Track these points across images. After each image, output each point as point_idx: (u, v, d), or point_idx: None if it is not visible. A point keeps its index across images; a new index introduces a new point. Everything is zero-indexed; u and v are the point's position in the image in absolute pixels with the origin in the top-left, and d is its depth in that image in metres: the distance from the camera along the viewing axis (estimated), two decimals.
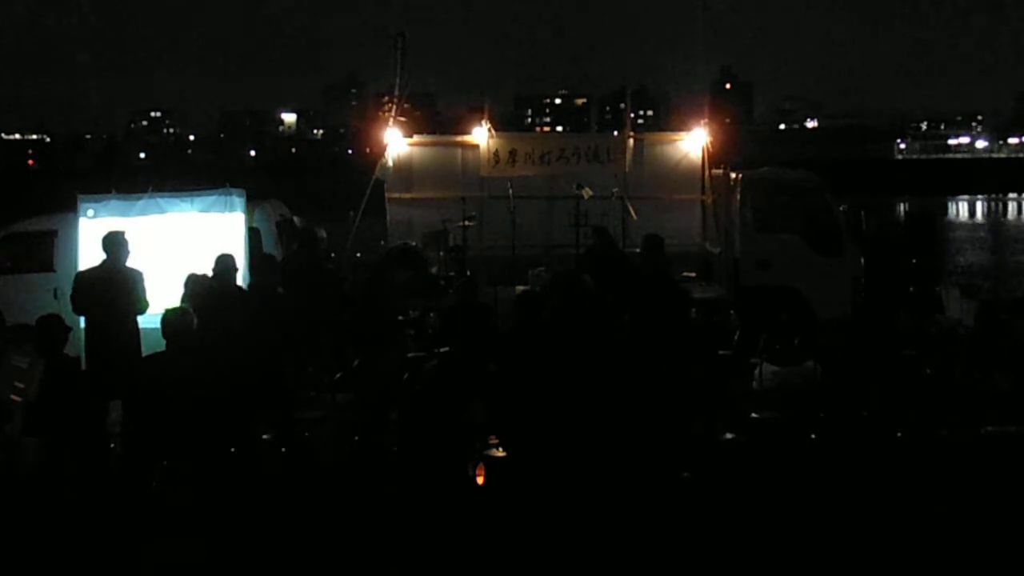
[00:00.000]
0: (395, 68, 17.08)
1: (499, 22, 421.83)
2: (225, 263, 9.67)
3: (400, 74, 16.97)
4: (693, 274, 14.88)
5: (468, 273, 13.94)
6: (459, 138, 16.99)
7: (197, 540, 6.78)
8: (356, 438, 8.37)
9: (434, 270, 14.29)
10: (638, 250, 11.08)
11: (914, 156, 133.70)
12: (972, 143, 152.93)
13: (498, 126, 17.08)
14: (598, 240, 13.05)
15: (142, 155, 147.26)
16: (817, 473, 7.89)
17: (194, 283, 9.30)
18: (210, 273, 9.71)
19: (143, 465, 7.01)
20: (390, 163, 16.19)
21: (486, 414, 8.14)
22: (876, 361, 8.91)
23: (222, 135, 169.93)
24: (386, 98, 20.15)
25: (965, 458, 7.86)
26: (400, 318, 11.08)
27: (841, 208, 14.51)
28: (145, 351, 8.89)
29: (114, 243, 9.79)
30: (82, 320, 9.91)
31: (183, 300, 8.66)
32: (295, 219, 14.29)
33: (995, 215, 64.21)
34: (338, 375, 9.07)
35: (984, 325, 11.61)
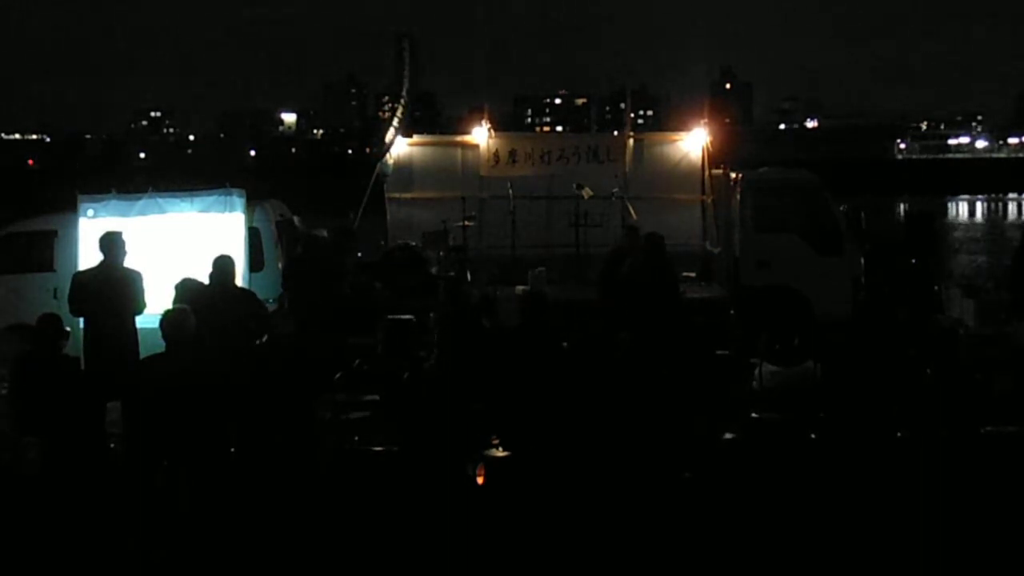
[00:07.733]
0: (401, 69, 17.07)
1: (499, 22, 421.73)
2: (222, 266, 9.65)
3: (407, 75, 16.97)
4: (693, 274, 14.88)
5: (453, 274, 13.91)
6: (459, 138, 17.01)
7: (197, 540, 6.78)
8: (356, 438, 8.36)
9: (434, 270, 14.29)
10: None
11: (914, 156, 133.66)
12: (972, 143, 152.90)
13: (498, 126, 17.11)
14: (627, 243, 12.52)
15: (142, 155, 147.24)
16: (817, 473, 7.88)
17: (184, 289, 9.31)
18: (207, 275, 9.71)
19: (143, 465, 7.00)
20: (390, 162, 16.20)
21: (485, 415, 8.15)
22: (876, 361, 8.88)
23: (222, 135, 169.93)
24: (386, 98, 20.17)
25: (965, 458, 7.85)
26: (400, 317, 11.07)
27: (841, 208, 14.49)
28: (145, 351, 8.86)
29: (111, 243, 9.74)
30: (81, 320, 9.89)
31: (174, 303, 8.66)
32: (295, 219, 14.28)
33: (995, 215, 64.14)
34: (338, 375, 9.07)
35: (984, 325, 11.62)
